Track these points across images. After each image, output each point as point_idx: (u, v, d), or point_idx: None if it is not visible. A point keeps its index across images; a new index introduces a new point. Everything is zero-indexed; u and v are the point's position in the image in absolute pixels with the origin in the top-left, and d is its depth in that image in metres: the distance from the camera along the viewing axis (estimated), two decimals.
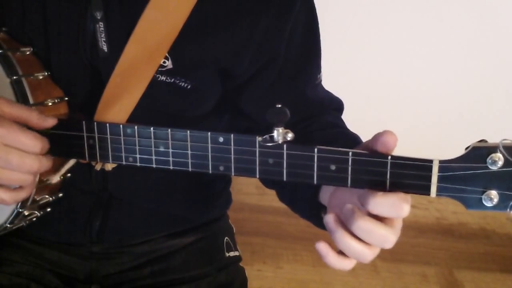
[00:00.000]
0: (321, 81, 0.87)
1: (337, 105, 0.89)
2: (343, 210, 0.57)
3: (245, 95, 0.82)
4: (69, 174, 0.76)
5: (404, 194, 0.56)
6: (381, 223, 0.56)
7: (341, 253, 0.58)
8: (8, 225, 0.74)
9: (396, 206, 0.55)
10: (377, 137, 0.57)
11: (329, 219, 0.57)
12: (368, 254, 0.57)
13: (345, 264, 0.59)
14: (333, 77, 1.68)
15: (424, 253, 1.79)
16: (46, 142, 0.64)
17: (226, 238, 1.00)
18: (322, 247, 0.57)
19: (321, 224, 0.67)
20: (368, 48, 1.82)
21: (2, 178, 0.63)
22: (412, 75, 1.88)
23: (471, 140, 0.56)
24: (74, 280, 0.91)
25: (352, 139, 0.75)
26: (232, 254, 0.99)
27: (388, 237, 0.56)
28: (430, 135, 1.94)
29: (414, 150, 0.59)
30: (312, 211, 0.72)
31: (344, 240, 0.56)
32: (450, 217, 1.96)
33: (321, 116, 0.84)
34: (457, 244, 1.86)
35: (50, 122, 0.66)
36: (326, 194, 0.69)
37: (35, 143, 0.62)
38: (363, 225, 0.55)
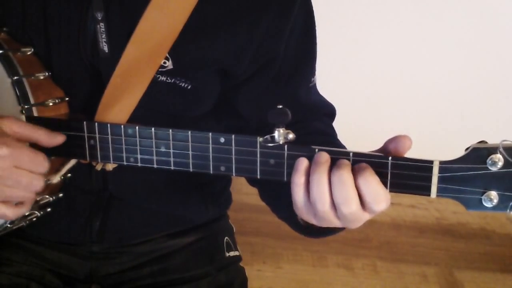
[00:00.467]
0: (315, 84, 0.87)
1: (329, 111, 0.89)
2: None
3: (241, 95, 0.82)
4: (69, 174, 0.76)
5: (388, 195, 0.56)
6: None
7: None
8: (9, 225, 0.74)
9: (379, 196, 0.55)
10: (393, 141, 0.58)
11: (302, 161, 0.57)
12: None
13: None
14: (333, 77, 1.69)
15: (424, 253, 1.79)
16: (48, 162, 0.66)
17: (226, 238, 1.00)
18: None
19: (297, 227, 0.69)
20: (368, 48, 1.82)
21: (9, 196, 0.65)
22: (412, 75, 1.88)
23: (471, 141, 0.56)
24: (74, 280, 0.91)
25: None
26: (232, 254, 0.99)
27: (352, 200, 0.55)
28: (430, 136, 1.94)
29: (414, 151, 0.59)
30: (290, 212, 0.70)
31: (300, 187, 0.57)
32: (450, 217, 1.96)
33: (311, 121, 0.84)
34: (457, 244, 1.86)
35: (59, 139, 0.68)
36: None
37: (44, 165, 0.65)
38: (346, 175, 0.55)
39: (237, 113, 0.84)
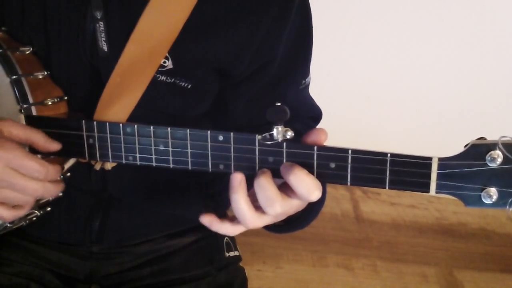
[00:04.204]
0: (306, 85, 0.87)
1: (315, 114, 0.90)
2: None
3: (238, 95, 0.82)
4: (68, 174, 0.76)
5: (318, 183, 0.59)
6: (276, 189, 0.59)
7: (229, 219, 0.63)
8: (9, 225, 0.74)
9: (310, 187, 0.58)
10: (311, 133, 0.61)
11: (236, 176, 0.60)
12: (251, 218, 0.61)
13: (228, 230, 0.63)
14: (333, 77, 1.69)
15: (424, 253, 1.79)
16: (53, 170, 0.66)
17: (226, 238, 1.00)
18: (205, 219, 0.63)
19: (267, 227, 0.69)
20: (368, 47, 1.81)
21: (6, 198, 0.65)
22: (411, 74, 1.88)
23: (470, 137, 0.56)
24: (74, 280, 0.91)
25: None
26: (232, 254, 0.99)
27: (274, 201, 0.59)
28: (429, 134, 1.94)
29: (414, 148, 0.59)
30: None
31: (239, 200, 0.60)
32: (450, 217, 1.96)
33: (290, 122, 0.84)
34: (457, 244, 1.86)
35: (55, 146, 0.68)
36: None
37: (39, 170, 0.64)
38: (263, 181, 0.59)
39: (230, 112, 0.84)
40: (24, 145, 0.67)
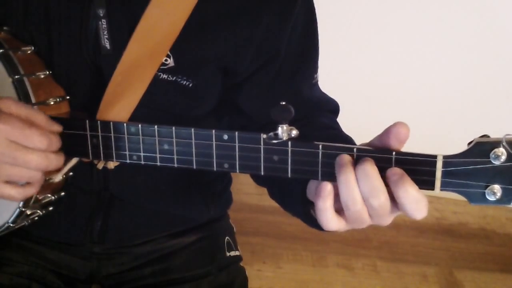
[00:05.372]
0: (317, 81, 0.87)
1: (333, 107, 0.90)
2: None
3: (243, 93, 0.82)
4: (71, 173, 0.76)
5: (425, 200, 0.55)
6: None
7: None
8: (11, 224, 0.74)
9: (419, 204, 0.54)
10: (389, 129, 0.57)
11: (326, 185, 0.57)
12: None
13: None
14: (333, 77, 1.69)
15: (424, 253, 1.79)
16: (55, 139, 0.64)
17: (226, 237, 1.00)
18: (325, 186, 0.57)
19: (311, 222, 0.67)
20: (368, 47, 1.81)
21: (10, 175, 0.63)
22: (412, 73, 1.88)
23: (474, 135, 0.56)
24: (75, 280, 0.91)
25: (346, 142, 0.75)
26: (232, 253, 0.99)
27: (380, 191, 0.55)
28: (428, 134, 1.94)
29: (418, 146, 0.59)
30: (301, 207, 0.70)
31: (326, 211, 0.57)
32: (450, 217, 1.96)
33: (316, 117, 0.84)
34: (457, 244, 1.86)
35: (56, 127, 0.66)
36: (312, 186, 0.67)
37: (41, 139, 0.61)
38: (370, 169, 0.55)
39: (239, 111, 0.84)
40: None
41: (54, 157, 0.64)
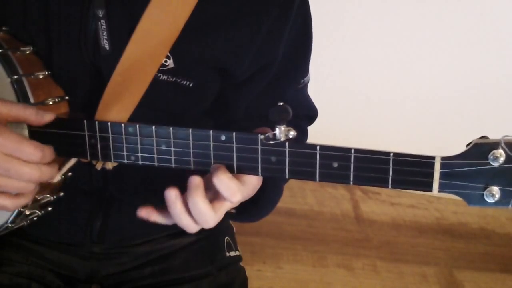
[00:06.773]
0: (305, 84, 0.87)
1: (310, 113, 0.90)
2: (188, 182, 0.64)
3: (239, 95, 0.82)
4: (70, 173, 0.76)
5: (241, 184, 0.64)
6: (209, 205, 0.63)
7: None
8: (10, 225, 0.74)
9: (231, 189, 0.62)
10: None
11: (194, 179, 0.63)
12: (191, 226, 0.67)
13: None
14: (333, 77, 1.69)
15: (424, 253, 1.79)
16: (48, 152, 0.64)
17: (226, 237, 1.00)
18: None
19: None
20: (368, 47, 1.82)
21: (2, 186, 0.63)
22: (411, 74, 1.88)
23: (472, 136, 0.56)
24: (74, 280, 0.91)
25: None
26: (232, 254, 0.99)
27: (236, 190, 0.63)
28: (428, 134, 1.94)
29: (416, 147, 0.59)
30: None
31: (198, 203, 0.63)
32: (450, 217, 1.96)
33: None
34: (457, 244, 1.86)
35: (48, 117, 0.66)
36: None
37: (34, 153, 0.61)
38: (223, 176, 0.62)
39: (233, 111, 0.84)
40: (22, 127, 0.67)
41: (47, 169, 0.64)
